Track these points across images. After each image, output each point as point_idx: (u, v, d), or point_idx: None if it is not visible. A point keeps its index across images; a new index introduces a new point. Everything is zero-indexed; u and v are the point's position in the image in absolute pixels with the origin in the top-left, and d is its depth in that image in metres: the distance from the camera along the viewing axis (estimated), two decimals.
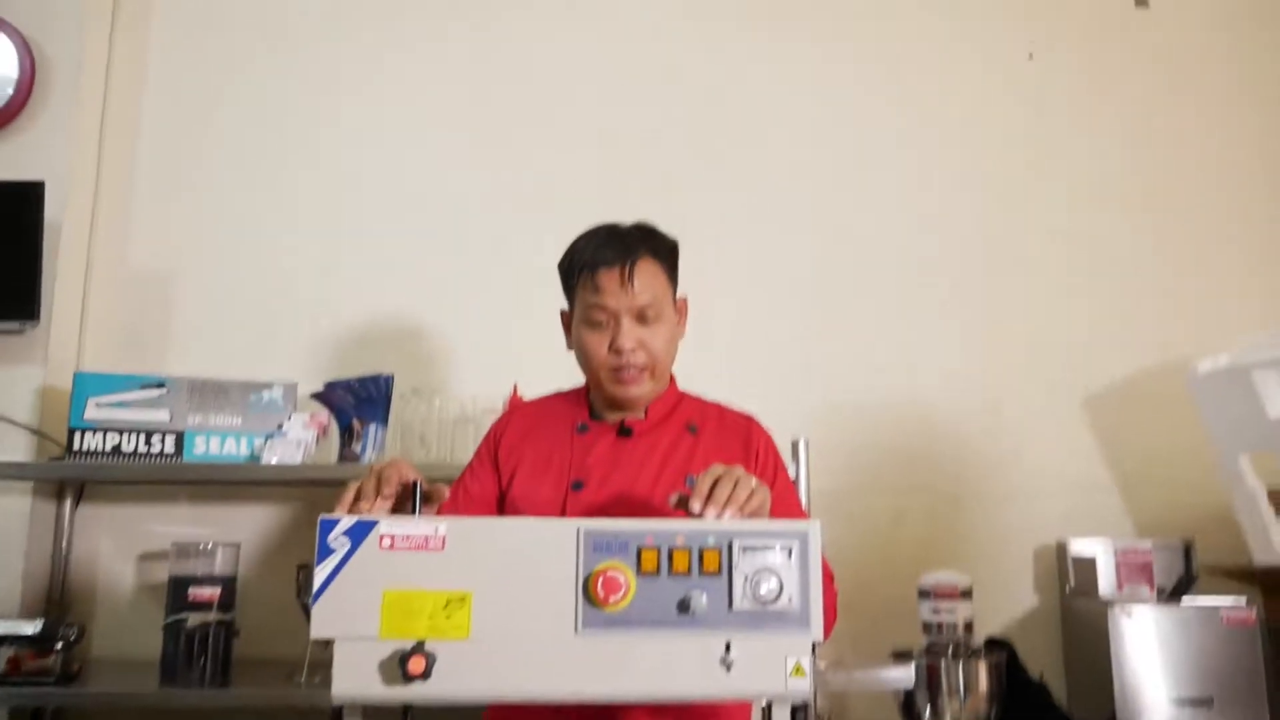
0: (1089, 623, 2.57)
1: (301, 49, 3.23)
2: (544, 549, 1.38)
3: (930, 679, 2.37)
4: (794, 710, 1.39)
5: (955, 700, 2.37)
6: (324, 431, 2.79)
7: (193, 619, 2.58)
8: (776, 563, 1.39)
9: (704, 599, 1.37)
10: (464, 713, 1.58)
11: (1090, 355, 3.06)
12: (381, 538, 1.37)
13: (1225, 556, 2.74)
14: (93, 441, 2.72)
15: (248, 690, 2.51)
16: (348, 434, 2.75)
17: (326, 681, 1.34)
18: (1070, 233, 3.13)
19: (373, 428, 2.74)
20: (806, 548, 1.40)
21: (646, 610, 1.36)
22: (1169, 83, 3.22)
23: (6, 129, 2.97)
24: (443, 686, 1.33)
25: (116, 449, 2.73)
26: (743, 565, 1.38)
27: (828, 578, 1.77)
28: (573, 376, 2.02)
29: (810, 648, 1.38)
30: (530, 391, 2.22)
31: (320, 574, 1.36)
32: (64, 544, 2.92)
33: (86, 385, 2.75)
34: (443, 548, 1.37)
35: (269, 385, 2.81)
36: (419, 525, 1.38)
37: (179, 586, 2.62)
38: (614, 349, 1.89)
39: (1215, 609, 2.43)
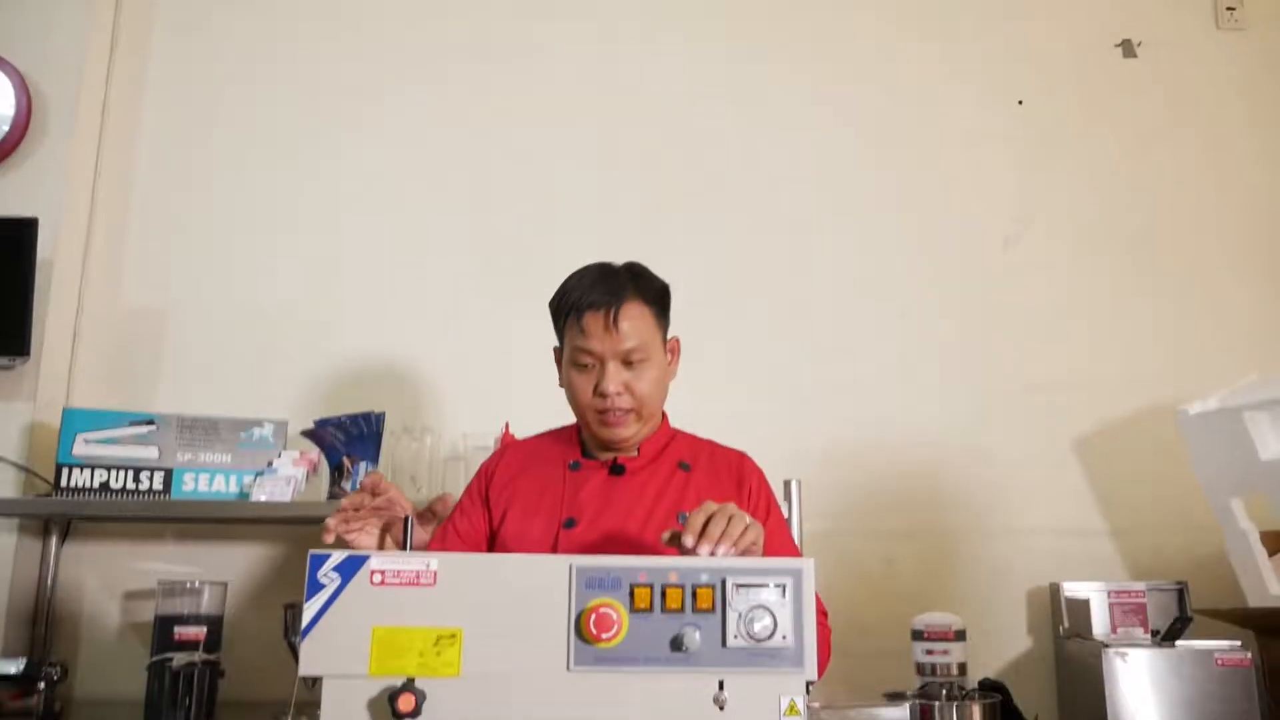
0: (1083, 665, 2.56)
1: (295, 89, 3.24)
2: (536, 585, 1.37)
3: None
4: None
5: None
6: (314, 469, 2.78)
7: (178, 658, 2.54)
8: (770, 600, 1.38)
9: (697, 636, 1.36)
10: None
11: (1082, 397, 3.07)
12: (372, 573, 1.36)
13: (1219, 599, 2.72)
14: (80, 478, 2.69)
15: None
16: (338, 472, 2.73)
17: None
18: (1062, 275, 3.15)
19: (363, 465, 2.72)
20: (800, 585, 1.39)
21: (639, 648, 1.35)
22: (1157, 128, 3.25)
23: (2, 165, 2.97)
24: None
25: (104, 486, 2.70)
26: (736, 603, 1.37)
27: (821, 615, 1.76)
28: (564, 415, 2.01)
29: (804, 687, 1.36)
30: (521, 429, 2.21)
31: (310, 610, 1.35)
32: (49, 581, 2.88)
33: (75, 421, 2.72)
34: (434, 583, 1.36)
35: (259, 423, 2.79)
36: (409, 561, 1.37)
37: (165, 625, 2.59)
38: (599, 392, 1.88)
39: (1210, 651, 2.40)
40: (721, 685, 1.35)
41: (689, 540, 1.50)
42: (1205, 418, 2.66)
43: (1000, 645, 2.90)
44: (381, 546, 1.86)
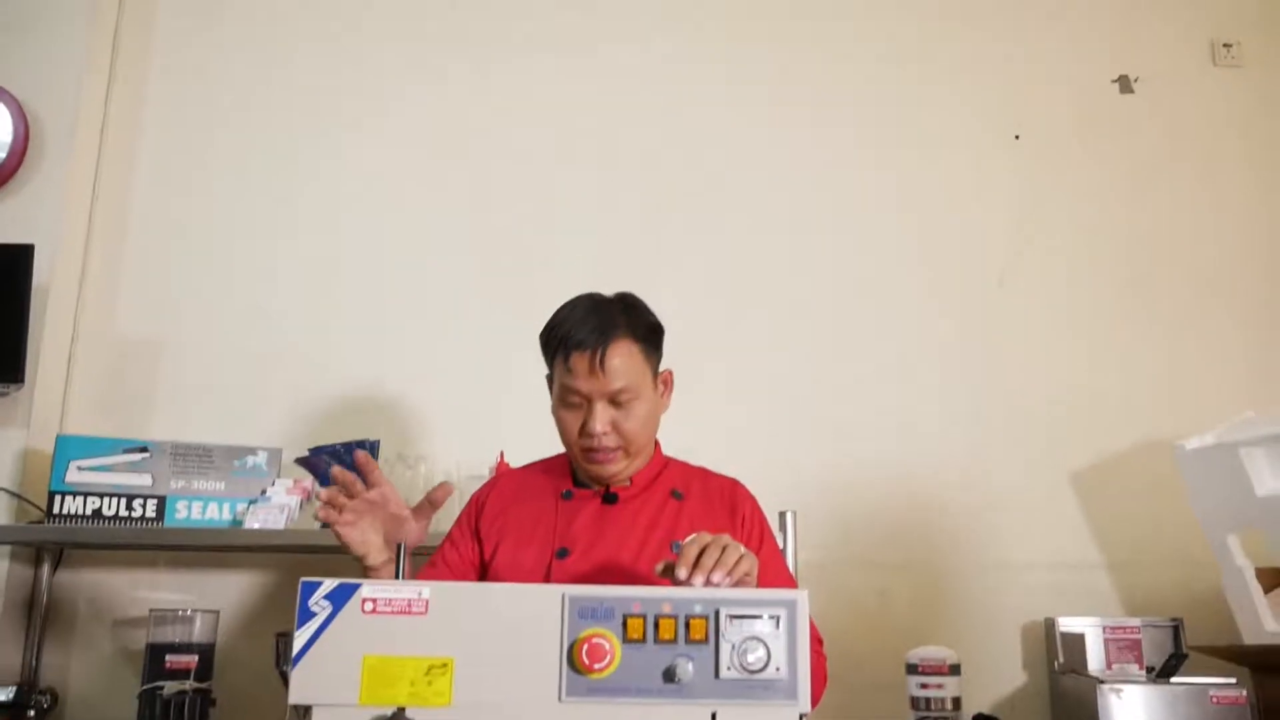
0: (1078, 700, 2.55)
1: (292, 118, 3.25)
2: (528, 615, 1.36)
3: None
4: None
5: None
6: (308, 497, 2.76)
7: (169, 687, 2.53)
8: (764, 631, 1.37)
9: (690, 667, 1.35)
10: None
11: (1079, 431, 3.07)
12: (363, 601, 1.36)
13: (1214, 636, 2.72)
14: (73, 505, 2.68)
15: None
16: None
17: None
18: (1059, 309, 3.16)
19: None
20: (794, 617, 1.38)
21: (632, 678, 1.34)
22: (1154, 164, 3.27)
23: None
24: None
25: (97, 513, 2.68)
26: (730, 634, 1.37)
27: (817, 643, 1.76)
28: (559, 443, 2.01)
29: (798, 719, 1.35)
30: (516, 458, 2.21)
31: (300, 638, 1.34)
32: (41, 609, 2.86)
33: (68, 448, 2.71)
34: (425, 612, 1.35)
35: (253, 450, 2.79)
36: (401, 589, 1.36)
37: (156, 654, 2.57)
38: (585, 431, 1.87)
39: (1205, 688, 2.40)
40: (714, 717, 1.34)
41: (682, 572, 1.50)
42: (1202, 453, 2.67)
43: (995, 680, 2.88)
44: (372, 560, 1.85)
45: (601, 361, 1.84)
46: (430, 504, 1.95)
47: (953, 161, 3.26)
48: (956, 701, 2.48)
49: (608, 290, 2.00)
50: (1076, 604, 2.89)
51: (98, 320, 3.09)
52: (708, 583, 1.48)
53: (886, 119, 3.29)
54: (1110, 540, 3.00)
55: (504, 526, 1.94)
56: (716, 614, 1.37)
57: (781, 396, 3.08)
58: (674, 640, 1.36)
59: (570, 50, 3.31)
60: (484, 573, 1.92)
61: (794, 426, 3.05)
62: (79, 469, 2.70)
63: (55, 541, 2.83)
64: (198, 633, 2.61)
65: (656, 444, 2.02)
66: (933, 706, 2.46)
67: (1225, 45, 3.35)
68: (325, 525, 1.83)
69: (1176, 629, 2.77)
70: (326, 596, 1.36)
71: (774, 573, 1.86)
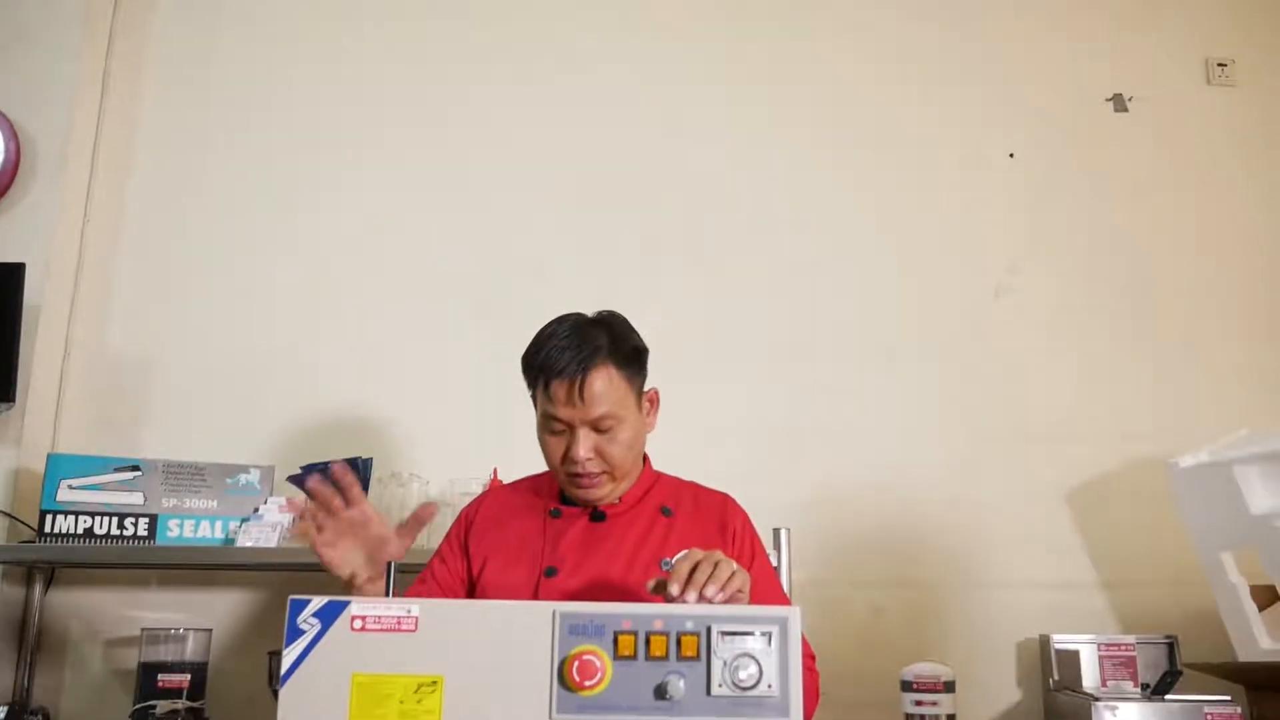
0: (1073, 718, 2.54)
1: (285, 137, 3.25)
2: (518, 632, 1.36)
3: None
4: None
5: None
6: (300, 515, 2.74)
7: (162, 706, 2.53)
8: (756, 648, 1.36)
9: (681, 684, 1.34)
10: None
11: (1073, 449, 3.07)
12: (353, 619, 1.35)
13: (1209, 653, 2.71)
14: (64, 524, 2.67)
15: None
16: None
17: None
18: (1053, 327, 3.16)
19: None
20: (786, 634, 1.38)
21: (623, 695, 1.34)
22: (1148, 183, 3.28)
23: None
24: None
25: (89, 532, 2.68)
26: (721, 651, 1.36)
27: (809, 659, 1.75)
28: None
29: None
30: (509, 475, 2.20)
31: (289, 656, 1.33)
32: (33, 628, 2.85)
33: (59, 467, 2.70)
34: (415, 630, 1.35)
35: (245, 468, 2.79)
36: (390, 607, 1.36)
37: (148, 673, 2.57)
38: (569, 458, 1.86)
39: (1199, 706, 2.40)
40: None
41: (675, 588, 1.49)
42: (1196, 471, 2.67)
43: (990, 697, 2.88)
44: (356, 581, 1.84)
45: (581, 390, 1.82)
46: (415, 522, 1.92)
47: (947, 179, 3.27)
48: (951, 718, 2.47)
49: (596, 308, 1.99)
50: (1071, 621, 2.88)
51: (89, 339, 3.09)
52: (700, 599, 1.47)
53: (880, 138, 3.30)
54: (1105, 558, 3.00)
55: (492, 544, 1.93)
56: (708, 631, 1.37)
57: (775, 414, 3.07)
58: (665, 657, 1.36)
59: (558, 81, 3.32)
60: (473, 590, 1.91)
61: (788, 444, 3.04)
62: (70, 488, 2.69)
63: (47, 561, 2.82)
64: (190, 651, 2.61)
65: (646, 459, 2.01)
66: None
67: (1219, 64, 3.36)
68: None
69: (1171, 646, 2.77)
70: (315, 614, 1.35)
71: (766, 589, 1.85)
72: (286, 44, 3.32)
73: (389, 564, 1.49)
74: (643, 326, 2.00)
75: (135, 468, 2.74)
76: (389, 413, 3.03)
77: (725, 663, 1.35)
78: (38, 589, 2.87)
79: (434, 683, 1.32)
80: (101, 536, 2.68)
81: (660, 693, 1.34)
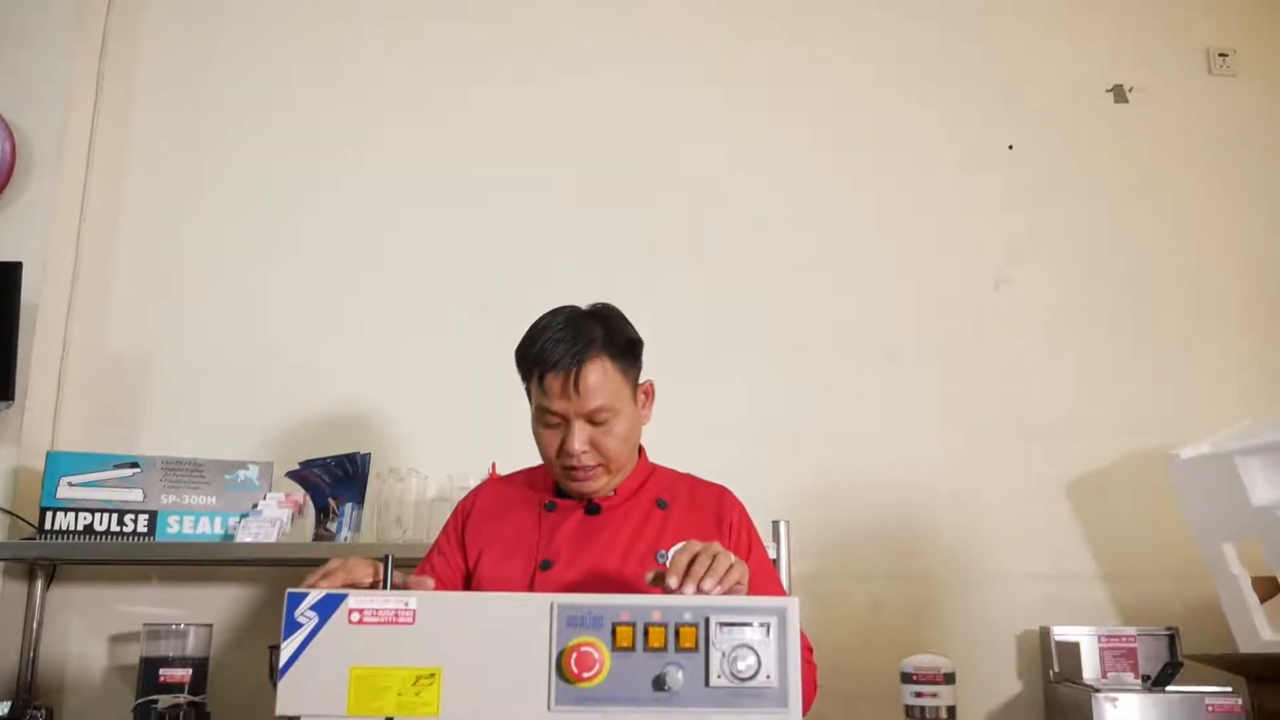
0: (1073, 709, 2.54)
1: (282, 132, 3.25)
2: (516, 624, 1.36)
3: None
4: None
5: None
6: (300, 511, 2.77)
7: (164, 701, 2.54)
8: (754, 639, 1.36)
9: (680, 676, 1.34)
10: None
11: (1073, 442, 3.06)
12: (350, 612, 1.35)
13: (1210, 645, 2.71)
14: (64, 521, 2.68)
15: None
16: (323, 513, 2.72)
17: None
18: (1053, 319, 3.16)
19: (349, 507, 2.71)
20: (785, 624, 1.38)
21: (621, 687, 1.34)
22: (1148, 173, 3.28)
23: None
24: None
25: (89, 528, 2.68)
26: (720, 642, 1.36)
27: (807, 652, 1.74)
28: None
29: None
30: (507, 470, 2.20)
31: (287, 649, 1.33)
32: (34, 625, 2.86)
33: (58, 464, 2.71)
34: (412, 622, 1.35)
35: (244, 465, 2.79)
36: (388, 599, 1.36)
37: (150, 668, 2.59)
38: (564, 451, 1.85)
39: (1200, 697, 2.39)
40: None
41: (673, 581, 1.48)
42: (1197, 462, 2.66)
43: (989, 689, 2.88)
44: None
45: (576, 382, 1.81)
46: None
47: (946, 175, 3.26)
48: (951, 710, 2.48)
49: (593, 300, 1.98)
50: (1071, 614, 2.88)
51: (88, 337, 3.09)
52: (698, 592, 1.47)
53: (879, 129, 3.29)
54: (1105, 550, 3.00)
55: (488, 538, 1.92)
56: (706, 622, 1.37)
57: (775, 409, 3.07)
58: (664, 648, 1.36)
59: (558, 80, 3.32)
60: (469, 583, 1.91)
61: (788, 438, 3.04)
62: (70, 485, 2.70)
63: (48, 558, 2.83)
64: (191, 646, 2.62)
65: (641, 451, 2.00)
66: (927, 715, 2.46)
67: (1220, 54, 3.35)
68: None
69: (1172, 638, 2.77)
70: (313, 607, 1.35)
71: (763, 580, 1.84)
72: (283, 42, 3.32)
73: (387, 556, 1.48)
74: (642, 323, 1.98)
75: (134, 464, 2.74)
76: (387, 408, 3.03)
77: (724, 654, 1.35)
78: (39, 585, 2.88)
79: (432, 675, 1.32)
80: (101, 533, 2.69)
81: (659, 684, 1.34)
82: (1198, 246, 3.23)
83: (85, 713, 2.84)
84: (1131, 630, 2.79)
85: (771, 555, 2.41)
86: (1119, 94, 3.33)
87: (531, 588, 1.81)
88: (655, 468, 2.02)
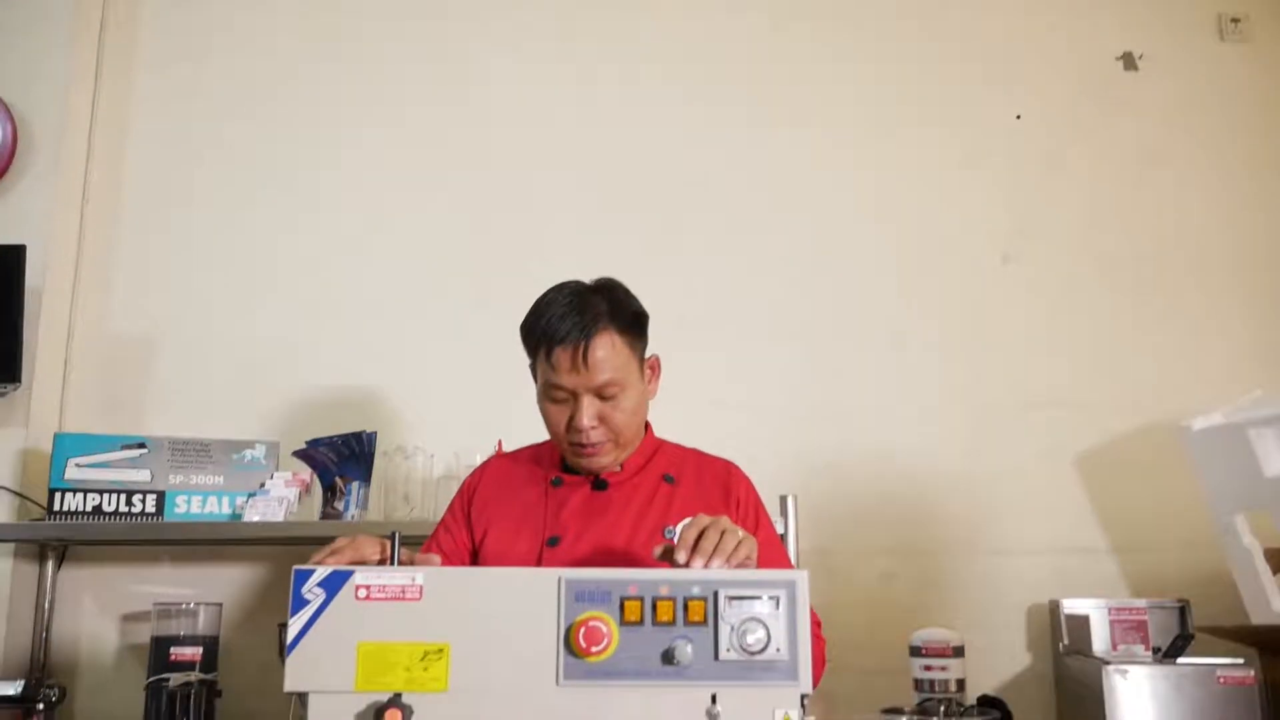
0: (1083, 682, 2.53)
1: (282, 116, 3.24)
2: (524, 599, 1.35)
3: None
4: None
5: None
6: (306, 490, 2.77)
7: (175, 679, 2.55)
8: (764, 612, 1.36)
9: (689, 649, 1.34)
10: None
11: (1082, 414, 3.04)
12: (357, 588, 1.35)
13: (1221, 617, 2.69)
14: (73, 502, 2.68)
15: None
16: (330, 492, 2.72)
17: None
18: (1060, 291, 3.13)
19: (355, 485, 2.71)
20: (794, 597, 1.37)
21: (630, 661, 1.33)
22: (1159, 142, 3.24)
23: None
24: None
25: (97, 509, 2.69)
26: (729, 615, 1.35)
27: (816, 626, 1.74)
28: None
29: (799, 699, 1.34)
30: (514, 447, 2.19)
31: (294, 626, 1.34)
32: (46, 605, 2.88)
33: (66, 446, 2.71)
34: (420, 598, 1.34)
35: (251, 444, 2.79)
36: (395, 575, 1.35)
37: (161, 647, 2.60)
38: (573, 426, 1.84)
39: (1212, 669, 2.37)
40: (714, 699, 1.33)
41: (681, 556, 1.48)
42: (1209, 434, 2.64)
43: (999, 662, 2.87)
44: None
45: (585, 356, 1.80)
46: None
47: (953, 141, 3.23)
48: (960, 683, 2.47)
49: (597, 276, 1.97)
50: (1081, 587, 2.87)
51: (93, 319, 3.09)
52: (706, 566, 1.46)
53: (885, 98, 3.26)
54: (1115, 523, 2.98)
55: (494, 514, 1.92)
56: (715, 595, 1.36)
57: (781, 380, 3.06)
58: (672, 622, 1.35)
59: (562, 53, 3.29)
60: (475, 560, 1.90)
61: (794, 411, 3.03)
62: (77, 466, 2.70)
63: (59, 538, 2.84)
64: (201, 625, 2.63)
65: (648, 426, 1.99)
66: (936, 688, 2.45)
67: (1233, 20, 3.30)
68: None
69: (1183, 610, 2.75)
70: (320, 584, 1.35)
71: (771, 556, 1.83)
72: (284, 19, 3.30)
73: (393, 534, 1.48)
74: (648, 298, 1.97)
75: (141, 445, 2.74)
76: (393, 387, 3.03)
77: (733, 627, 1.35)
78: (50, 566, 2.89)
79: (440, 650, 1.32)
80: (110, 514, 2.70)
81: (668, 658, 1.34)
82: (1210, 215, 3.19)
83: (98, 691, 2.87)
84: (1142, 603, 2.78)
85: (780, 530, 2.40)
86: (1128, 61, 3.29)
87: (539, 564, 1.81)
88: (662, 443, 2.01)
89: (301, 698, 1.33)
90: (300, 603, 1.34)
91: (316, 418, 2.94)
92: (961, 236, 3.17)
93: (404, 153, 3.21)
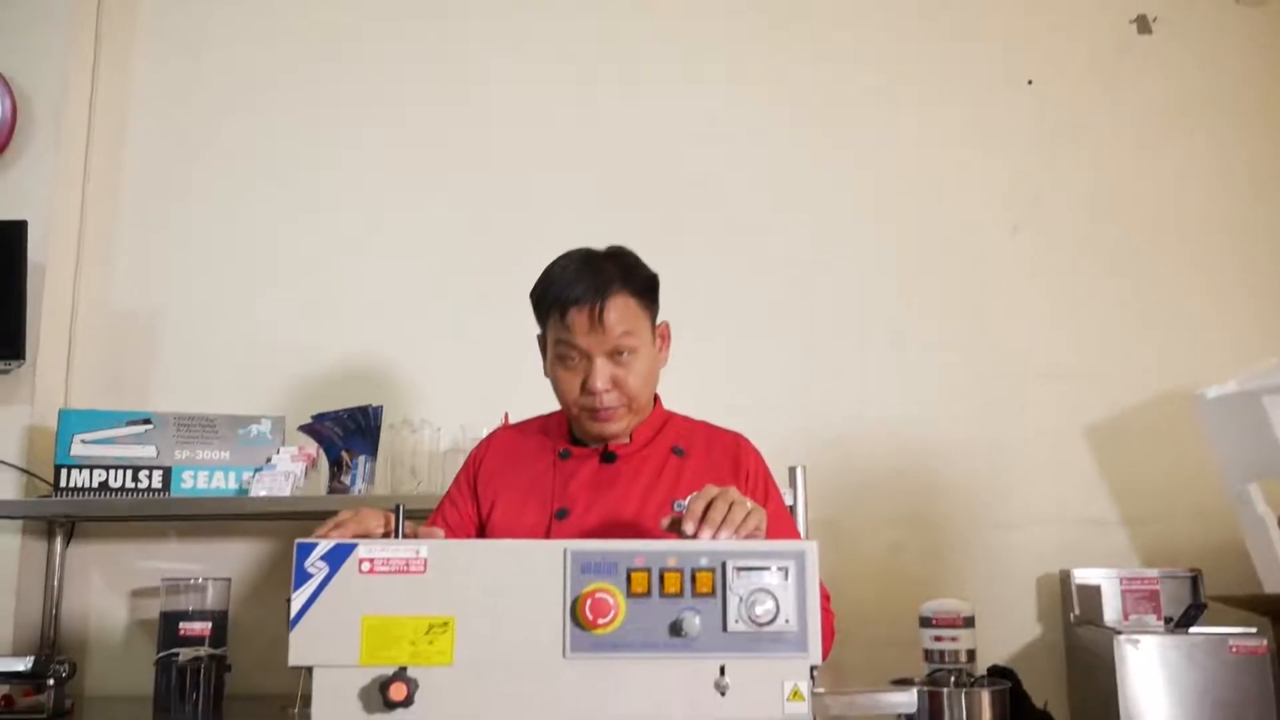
0: (1094, 652, 2.52)
1: (286, 91, 3.22)
2: (529, 571, 1.34)
3: (933, 708, 2.31)
4: None
5: None
6: (313, 464, 2.76)
7: (184, 654, 2.57)
8: (772, 583, 1.34)
9: (697, 621, 1.32)
10: None
11: (1093, 384, 3.02)
12: (360, 561, 1.34)
13: (1234, 587, 2.67)
14: (79, 478, 2.69)
15: None
16: (337, 466, 2.72)
17: None
18: (1071, 260, 3.10)
19: (362, 459, 2.71)
20: (803, 568, 1.35)
21: (637, 633, 1.32)
22: (1173, 107, 3.18)
23: None
24: (427, 713, 1.28)
25: (104, 485, 2.69)
26: (737, 586, 1.34)
27: (825, 600, 1.72)
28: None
29: (809, 671, 1.33)
30: (520, 419, 2.18)
31: (298, 600, 1.33)
32: (55, 582, 2.89)
33: (71, 422, 2.71)
34: (424, 571, 1.33)
35: (257, 419, 2.79)
36: (399, 548, 1.34)
37: (170, 622, 2.61)
38: (586, 390, 1.83)
39: (1224, 638, 2.36)
40: (723, 671, 1.32)
41: (689, 526, 1.46)
42: (1223, 401, 2.62)
43: (1010, 632, 2.86)
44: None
45: (601, 315, 1.79)
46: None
47: (963, 107, 3.19)
48: (971, 654, 2.46)
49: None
50: (1092, 557, 2.85)
51: (96, 294, 3.09)
52: (715, 538, 1.45)
53: (895, 62, 3.22)
54: (1126, 492, 2.97)
55: (501, 486, 1.91)
56: (723, 566, 1.35)
57: (789, 351, 3.04)
58: (680, 594, 1.34)
59: (564, 49, 3.26)
60: (483, 532, 1.89)
61: (802, 382, 3.02)
62: (83, 442, 2.71)
63: (66, 515, 2.85)
64: (210, 600, 2.64)
65: (657, 399, 1.98)
66: (947, 659, 2.44)
67: None
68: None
69: (1195, 580, 2.74)
70: (323, 557, 1.34)
71: (780, 528, 1.83)
72: None
73: (398, 506, 1.46)
74: (657, 267, 1.96)
75: (147, 421, 2.74)
76: (399, 360, 3.02)
77: (741, 598, 1.33)
78: (59, 543, 2.91)
79: (445, 624, 1.31)
80: (116, 490, 2.70)
81: (675, 629, 1.32)
82: (1223, 182, 3.14)
83: (108, 666, 2.89)
84: (1153, 572, 2.77)
85: (789, 501, 2.39)
86: (1142, 24, 3.23)
87: (548, 536, 1.80)
88: (671, 415, 1.99)
89: (307, 672, 1.32)
90: (303, 576, 1.33)
91: (322, 392, 2.95)
92: (972, 205, 3.14)
93: (413, 125, 3.19)
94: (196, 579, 2.65)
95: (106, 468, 2.70)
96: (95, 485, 2.69)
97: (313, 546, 1.34)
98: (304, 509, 2.66)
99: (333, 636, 1.31)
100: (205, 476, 2.73)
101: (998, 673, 2.54)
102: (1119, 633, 2.38)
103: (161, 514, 2.87)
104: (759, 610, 1.33)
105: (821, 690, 1.37)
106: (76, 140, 3.09)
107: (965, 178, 3.15)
